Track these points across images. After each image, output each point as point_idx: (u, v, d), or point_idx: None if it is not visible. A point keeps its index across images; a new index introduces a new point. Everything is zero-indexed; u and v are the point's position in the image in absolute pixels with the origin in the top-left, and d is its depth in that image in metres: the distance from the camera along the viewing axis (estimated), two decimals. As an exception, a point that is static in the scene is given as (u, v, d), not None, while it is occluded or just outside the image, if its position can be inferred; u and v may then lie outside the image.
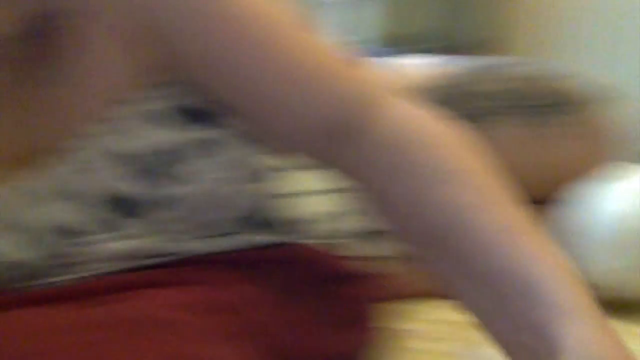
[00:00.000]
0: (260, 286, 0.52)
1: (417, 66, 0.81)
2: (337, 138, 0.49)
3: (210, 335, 0.45)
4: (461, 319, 0.66)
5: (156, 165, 0.49)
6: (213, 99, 0.51)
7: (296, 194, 0.62)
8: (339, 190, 0.68)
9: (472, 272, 0.42)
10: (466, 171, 0.45)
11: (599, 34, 2.30)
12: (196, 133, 0.50)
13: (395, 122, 0.48)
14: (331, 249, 0.66)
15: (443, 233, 0.44)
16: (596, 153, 0.81)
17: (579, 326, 0.37)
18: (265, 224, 0.57)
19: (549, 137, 0.78)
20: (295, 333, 0.51)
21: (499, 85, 0.78)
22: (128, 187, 0.48)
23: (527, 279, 0.39)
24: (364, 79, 0.52)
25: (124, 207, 0.49)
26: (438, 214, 0.44)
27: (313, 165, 0.57)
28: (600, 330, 0.37)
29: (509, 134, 0.77)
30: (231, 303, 0.48)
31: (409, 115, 0.49)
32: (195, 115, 0.51)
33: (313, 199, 0.65)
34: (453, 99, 0.77)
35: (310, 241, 0.62)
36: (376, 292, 0.60)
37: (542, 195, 0.83)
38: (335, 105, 0.50)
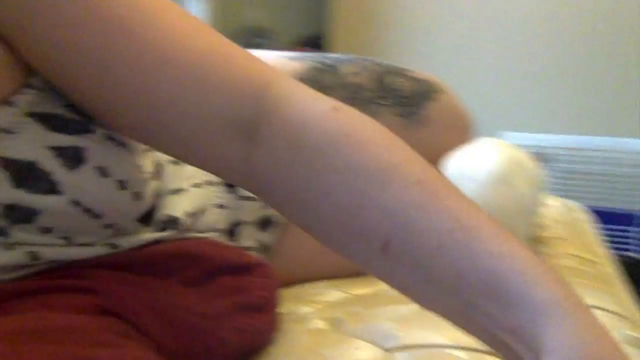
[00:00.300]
0: (146, 288, 0.50)
1: (270, 59, 0.81)
2: (250, 136, 0.43)
3: (107, 338, 0.43)
4: (351, 299, 0.68)
5: (31, 173, 0.45)
6: (89, 107, 0.46)
7: (182, 189, 0.60)
8: (226, 183, 0.67)
9: (432, 277, 0.38)
10: (402, 165, 0.40)
11: (418, 35, 2.49)
12: (68, 140, 0.46)
13: (310, 117, 0.42)
14: (225, 241, 0.65)
15: (393, 238, 0.39)
16: (457, 136, 0.87)
17: (560, 325, 0.33)
18: (156, 222, 0.56)
19: (417, 126, 0.82)
20: (182, 331, 0.50)
21: (362, 78, 0.80)
22: (6, 195, 0.44)
23: (493, 278, 0.35)
24: (263, 67, 0.45)
25: (5, 216, 0.45)
26: (385, 217, 0.39)
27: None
28: (584, 326, 0.33)
29: (386, 124, 0.79)
30: (117, 308, 0.47)
31: (322, 108, 0.43)
32: (63, 122, 0.46)
33: (198, 191, 0.63)
34: (325, 90, 0.78)
35: (201, 235, 0.61)
36: (273, 278, 0.60)
37: None
38: (240, 98, 0.43)
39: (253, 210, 0.70)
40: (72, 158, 0.45)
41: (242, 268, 0.57)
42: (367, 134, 0.42)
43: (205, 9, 2.21)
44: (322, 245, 0.43)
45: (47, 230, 0.46)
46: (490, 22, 2.42)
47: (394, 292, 0.69)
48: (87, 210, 0.47)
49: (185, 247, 0.56)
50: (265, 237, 0.73)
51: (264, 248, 0.72)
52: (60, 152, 0.45)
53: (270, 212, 0.73)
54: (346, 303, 0.66)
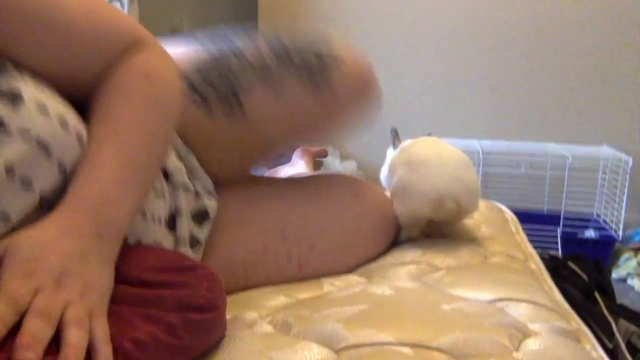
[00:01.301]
0: None
1: (179, 51, 0.81)
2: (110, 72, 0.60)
3: None
4: (296, 303, 0.69)
5: None
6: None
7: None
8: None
9: None
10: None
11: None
12: (3, 82, 0.49)
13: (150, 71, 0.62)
14: (167, 234, 0.64)
15: None
16: (362, 101, 0.87)
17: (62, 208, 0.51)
18: None
19: (324, 95, 0.82)
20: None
21: (268, 58, 0.80)
22: None
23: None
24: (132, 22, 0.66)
25: None
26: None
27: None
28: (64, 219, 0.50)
29: (296, 95, 0.80)
30: None
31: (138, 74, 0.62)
32: None
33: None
34: (234, 74, 0.79)
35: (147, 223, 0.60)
36: (218, 281, 0.60)
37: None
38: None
39: (188, 200, 0.72)
40: (12, 98, 0.50)
41: (185, 269, 0.57)
42: (161, 100, 0.63)
43: (132, 14, 2.16)
44: None
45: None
46: (418, 31, 2.50)
47: (338, 295, 0.70)
48: (38, 143, 0.50)
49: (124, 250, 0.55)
50: (200, 232, 0.73)
51: (197, 243, 0.72)
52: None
53: (204, 203, 0.74)
54: (292, 307, 0.67)
